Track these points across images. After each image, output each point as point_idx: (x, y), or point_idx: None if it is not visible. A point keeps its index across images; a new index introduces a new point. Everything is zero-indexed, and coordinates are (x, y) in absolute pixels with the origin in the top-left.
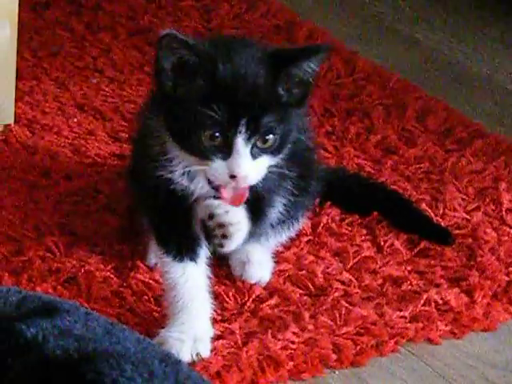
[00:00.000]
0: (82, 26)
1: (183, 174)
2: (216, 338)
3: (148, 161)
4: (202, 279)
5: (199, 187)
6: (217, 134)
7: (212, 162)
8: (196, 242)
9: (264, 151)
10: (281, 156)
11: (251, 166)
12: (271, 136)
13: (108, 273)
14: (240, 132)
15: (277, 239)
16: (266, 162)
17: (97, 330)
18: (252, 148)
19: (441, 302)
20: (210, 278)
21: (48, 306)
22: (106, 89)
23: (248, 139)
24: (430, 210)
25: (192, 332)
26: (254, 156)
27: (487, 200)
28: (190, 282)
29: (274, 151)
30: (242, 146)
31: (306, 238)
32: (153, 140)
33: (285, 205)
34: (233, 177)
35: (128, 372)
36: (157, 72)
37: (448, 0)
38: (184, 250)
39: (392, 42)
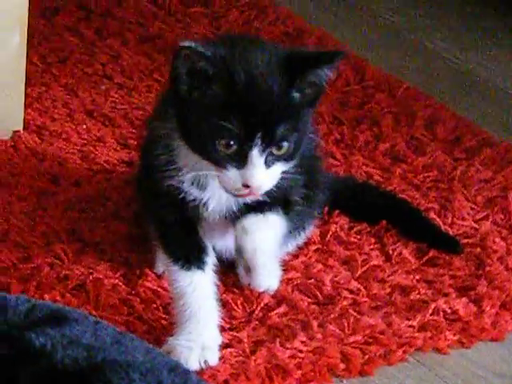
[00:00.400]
0: (92, 32)
1: (192, 183)
2: (224, 346)
3: (155, 170)
4: (209, 287)
5: (211, 197)
6: (232, 143)
7: (226, 170)
8: (203, 250)
9: (278, 159)
10: (294, 162)
11: (265, 175)
12: (285, 143)
13: (116, 280)
14: (256, 144)
15: (283, 249)
16: (279, 169)
17: (106, 339)
18: (266, 157)
19: (449, 311)
20: (217, 286)
21: (57, 315)
22: (115, 95)
23: (263, 150)
24: (438, 219)
25: (200, 340)
26: (268, 165)
27: (496, 209)
28: (198, 290)
29: (287, 158)
30: (256, 157)
31: (314, 247)
32: (160, 149)
33: None
34: (246, 186)
35: (137, 382)
36: (172, 77)
37: (457, 8)
38: (191, 258)
39: (401, 50)
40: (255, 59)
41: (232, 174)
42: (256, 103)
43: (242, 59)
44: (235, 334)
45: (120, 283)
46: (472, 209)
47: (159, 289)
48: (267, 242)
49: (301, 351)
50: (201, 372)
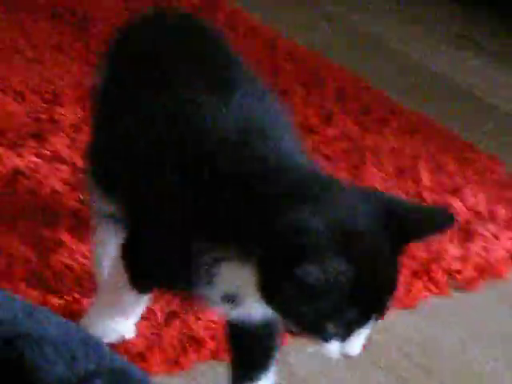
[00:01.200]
0: None
1: (225, 299)
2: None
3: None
4: None
5: (243, 311)
6: (341, 324)
7: (327, 344)
8: None
9: None
10: None
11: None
12: None
13: (29, 254)
14: (367, 326)
15: None
16: None
17: (17, 313)
18: None
19: None
20: None
21: None
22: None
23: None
24: None
25: (115, 313)
26: None
27: (406, 178)
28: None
29: None
30: (363, 331)
31: None
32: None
33: None
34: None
35: (50, 355)
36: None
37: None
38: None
39: (380, 57)
40: (372, 242)
41: (333, 346)
42: (377, 289)
43: (362, 247)
44: (149, 306)
45: (33, 256)
46: (383, 178)
47: (72, 262)
48: None
49: (214, 322)
50: (116, 345)
